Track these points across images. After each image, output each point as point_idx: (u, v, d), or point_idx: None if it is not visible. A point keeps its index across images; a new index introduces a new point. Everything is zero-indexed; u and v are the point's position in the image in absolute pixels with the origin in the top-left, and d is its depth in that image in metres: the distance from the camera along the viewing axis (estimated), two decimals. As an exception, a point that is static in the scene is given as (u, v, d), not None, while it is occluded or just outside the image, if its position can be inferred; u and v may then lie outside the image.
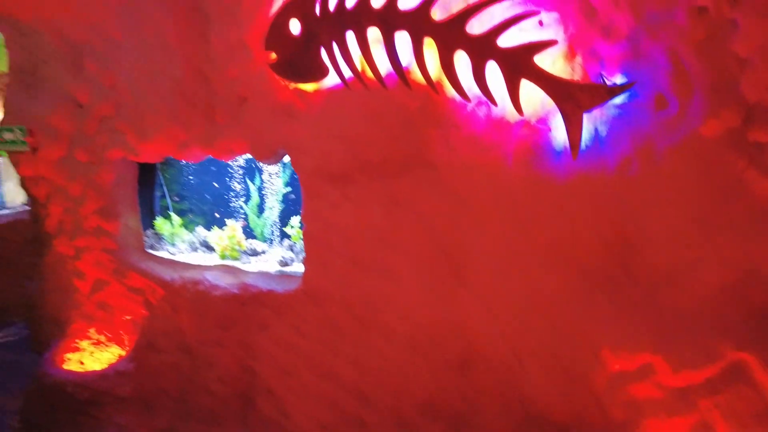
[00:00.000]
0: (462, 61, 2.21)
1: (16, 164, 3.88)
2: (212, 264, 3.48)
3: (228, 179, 3.96)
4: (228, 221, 3.66)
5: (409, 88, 2.38)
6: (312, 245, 2.95)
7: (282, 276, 3.27)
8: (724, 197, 1.82)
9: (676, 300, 1.97)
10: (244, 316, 3.16)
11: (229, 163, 3.85)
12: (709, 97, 1.80)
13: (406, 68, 2.37)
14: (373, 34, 2.37)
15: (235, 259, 3.56)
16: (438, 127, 2.41)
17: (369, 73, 2.46)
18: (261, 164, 3.63)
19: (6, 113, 3.87)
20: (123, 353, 3.66)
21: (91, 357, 3.77)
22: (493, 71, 2.14)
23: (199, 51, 3.01)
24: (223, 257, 3.59)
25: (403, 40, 2.31)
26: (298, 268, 3.31)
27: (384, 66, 2.41)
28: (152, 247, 3.92)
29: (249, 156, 3.27)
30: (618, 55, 1.99)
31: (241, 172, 3.89)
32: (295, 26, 2.59)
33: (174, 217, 3.95)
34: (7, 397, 4.24)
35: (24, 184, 3.99)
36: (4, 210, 6.93)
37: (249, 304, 3.14)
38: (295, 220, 3.50)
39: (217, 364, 3.29)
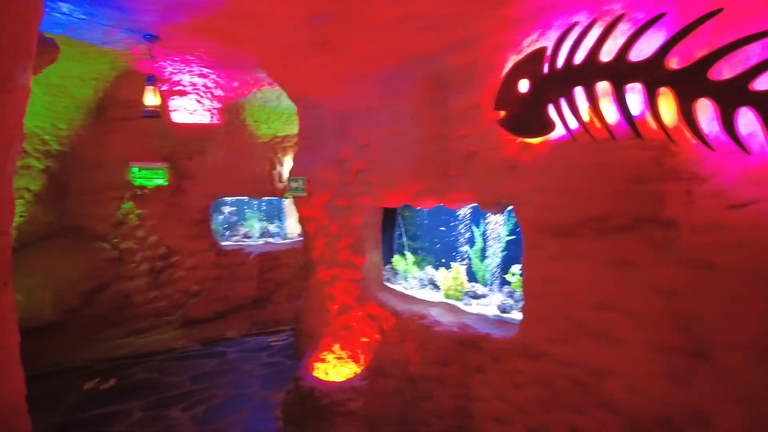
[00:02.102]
0: (706, 108, 2.01)
1: (297, 205, 4.95)
2: (437, 301, 3.78)
3: (456, 224, 4.26)
4: (453, 263, 3.93)
5: (640, 138, 2.26)
6: (530, 296, 2.95)
7: (500, 321, 3.34)
8: None
9: None
10: (462, 355, 3.32)
11: (458, 210, 4.17)
12: None
13: (638, 118, 2.26)
14: (602, 87, 2.34)
15: (458, 299, 3.78)
16: (676, 179, 2.20)
17: (597, 124, 2.43)
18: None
19: (293, 166, 5.00)
20: (358, 371, 4.20)
21: (334, 369, 4.43)
22: (746, 119, 1.89)
23: (437, 114, 3.42)
24: (447, 296, 3.85)
25: (634, 90, 2.23)
26: (516, 315, 3.34)
27: (612, 117, 2.35)
28: (389, 281, 4.46)
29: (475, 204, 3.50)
30: None
31: (467, 218, 4.16)
32: (523, 85, 2.74)
33: (408, 255, 4.44)
34: (274, 391, 5.28)
35: (300, 221, 5.05)
36: (286, 240, 8.75)
37: (467, 345, 3.29)
38: (516, 268, 3.55)
39: (435, 398, 3.50)
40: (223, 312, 7.50)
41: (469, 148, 3.22)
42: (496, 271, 3.84)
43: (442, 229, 4.39)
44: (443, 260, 4.31)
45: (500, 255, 3.80)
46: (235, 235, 8.67)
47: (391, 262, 4.57)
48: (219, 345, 7.02)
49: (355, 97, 4.21)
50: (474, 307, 3.63)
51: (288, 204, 8.72)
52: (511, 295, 3.62)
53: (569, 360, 2.71)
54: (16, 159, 1.47)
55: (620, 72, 2.27)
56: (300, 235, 6.74)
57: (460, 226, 4.22)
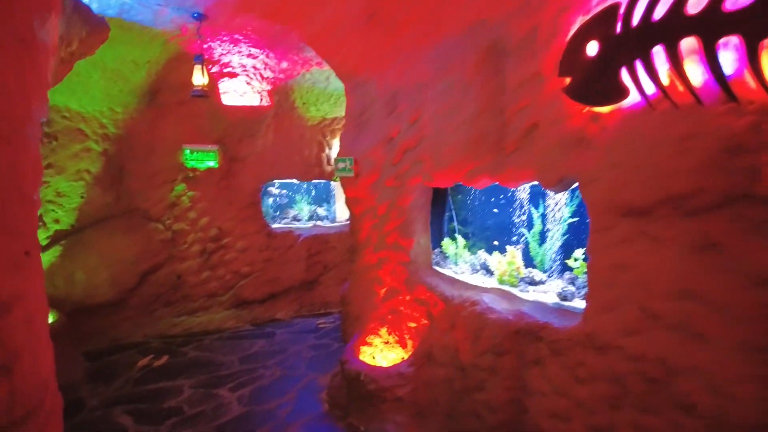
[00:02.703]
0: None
1: (344, 187, 4.83)
2: (490, 287, 3.55)
3: (511, 205, 3.98)
4: (508, 247, 3.68)
5: (735, 101, 1.94)
6: (596, 282, 2.68)
7: (560, 310, 3.08)
8: None
9: None
10: (517, 345, 3.10)
11: (514, 189, 3.89)
12: None
13: (732, 78, 1.94)
14: (688, 44, 2.03)
15: (513, 285, 3.54)
16: (781, 149, 1.88)
17: (679, 87, 2.12)
18: (547, 191, 3.54)
19: (341, 147, 4.87)
20: (405, 356, 4.06)
21: (381, 354, 4.31)
22: None
23: (493, 86, 3.16)
24: (501, 282, 3.61)
25: (728, 46, 1.91)
26: (579, 304, 3.07)
27: (698, 79, 2.03)
28: (438, 265, 4.26)
29: (534, 183, 3.24)
30: None
31: (524, 198, 3.87)
32: (592, 48, 2.44)
33: (459, 238, 4.22)
34: (320, 373, 5.24)
35: (347, 203, 4.92)
36: (334, 223, 8.70)
37: (523, 334, 3.06)
38: (579, 253, 3.26)
39: (487, 389, 3.30)
40: (273, 293, 7.56)
41: (529, 120, 2.95)
42: (556, 256, 3.56)
43: (496, 210, 4.13)
44: (496, 243, 4.06)
45: (561, 238, 3.51)
46: (284, 218, 8.71)
47: (440, 246, 4.36)
48: (268, 326, 7.08)
49: (404, 72, 4.01)
50: (531, 294, 3.38)
51: (337, 187, 8.65)
52: (572, 281, 3.34)
53: (641, 354, 2.44)
54: (40, 122, 1.39)
55: (712, 25, 1.95)
56: (348, 219, 6.65)
57: (516, 208, 3.93)
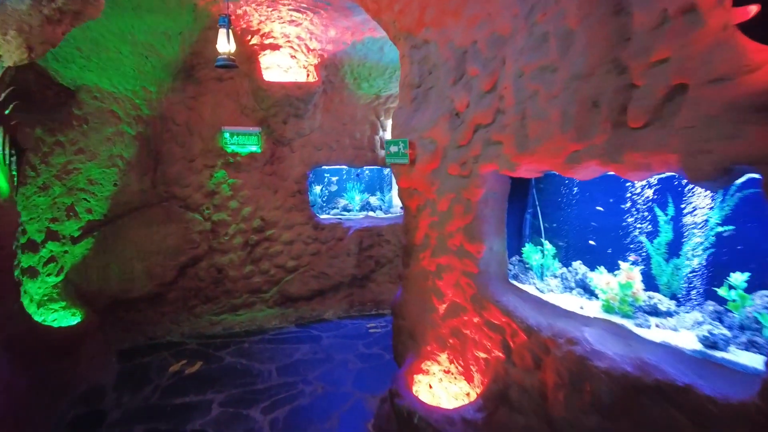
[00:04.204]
0: None
1: (396, 176, 3.96)
2: (593, 317, 2.58)
3: (623, 203, 2.93)
4: (622, 263, 2.67)
5: None
6: (790, 334, 1.68)
7: (706, 363, 2.08)
8: None
9: None
10: (639, 408, 2.14)
11: (630, 182, 2.85)
12: None
13: None
14: None
15: (627, 315, 2.55)
16: None
17: None
18: (688, 188, 2.50)
19: (393, 126, 4.01)
20: (472, 394, 3.20)
21: (440, 384, 3.48)
22: None
23: (610, 31, 2.15)
24: (609, 309, 2.63)
25: None
26: (739, 357, 2.06)
27: None
28: (516, 278, 3.32)
29: (668, 175, 2.23)
30: None
31: (645, 195, 2.81)
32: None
33: (546, 245, 3.24)
34: (367, 393, 4.48)
35: (400, 195, 4.06)
36: (388, 214, 7.88)
37: (649, 395, 2.10)
38: (739, 277, 2.22)
39: (589, 459, 2.38)
40: (321, 290, 6.89)
41: (670, 80, 1.94)
42: (693, 279, 2.52)
43: (600, 209, 3.10)
44: (592, 243, 3.05)
45: (703, 254, 2.46)
46: (334, 208, 8.01)
47: (520, 253, 3.40)
48: (314, 328, 6.42)
49: (477, 23, 3.06)
50: (654, 331, 2.39)
51: (392, 174, 7.81)
52: (719, 317, 2.31)
53: None
54: None
55: None
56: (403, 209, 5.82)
57: (631, 207, 2.89)
